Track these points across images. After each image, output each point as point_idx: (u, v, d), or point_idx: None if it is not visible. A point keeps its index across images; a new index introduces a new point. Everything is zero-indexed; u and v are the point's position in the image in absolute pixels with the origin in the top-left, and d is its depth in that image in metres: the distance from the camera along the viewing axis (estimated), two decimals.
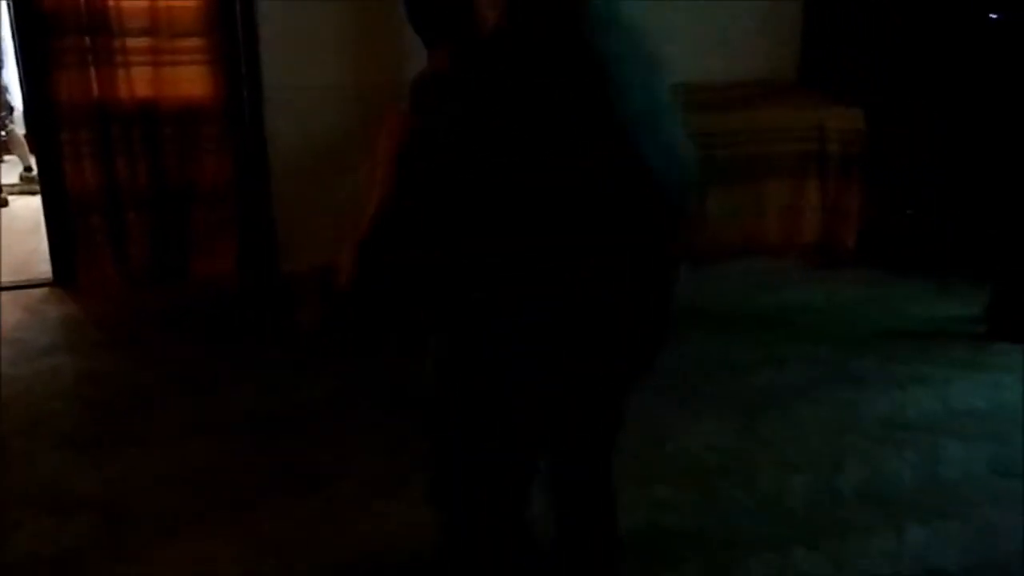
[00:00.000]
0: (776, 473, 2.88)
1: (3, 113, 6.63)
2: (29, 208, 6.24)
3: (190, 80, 4.66)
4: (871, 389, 3.44)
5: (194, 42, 4.61)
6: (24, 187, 6.72)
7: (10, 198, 6.60)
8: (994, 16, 4.43)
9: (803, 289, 4.43)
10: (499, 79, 1.61)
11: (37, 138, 4.91)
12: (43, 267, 4.99)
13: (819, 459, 2.96)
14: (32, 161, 6.49)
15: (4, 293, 4.75)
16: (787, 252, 4.63)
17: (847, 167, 4.62)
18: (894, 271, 4.59)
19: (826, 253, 4.66)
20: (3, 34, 6.50)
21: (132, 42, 4.54)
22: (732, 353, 3.77)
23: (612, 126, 1.61)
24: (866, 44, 4.83)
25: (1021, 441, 3.05)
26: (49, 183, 4.84)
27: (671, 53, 1.77)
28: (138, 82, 4.61)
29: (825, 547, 2.51)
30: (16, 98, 6.83)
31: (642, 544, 2.51)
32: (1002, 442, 3.05)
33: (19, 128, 6.82)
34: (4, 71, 6.61)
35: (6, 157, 6.76)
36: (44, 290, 4.76)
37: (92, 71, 4.57)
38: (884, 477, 2.87)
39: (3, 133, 6.68)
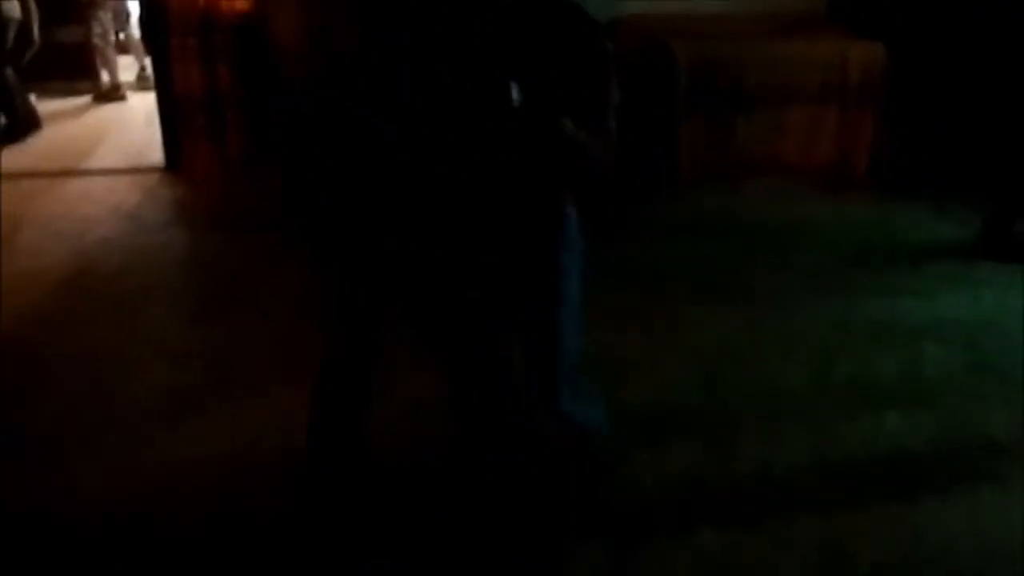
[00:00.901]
0: (774, 363, 2.91)
1: (121, 19, 6.65)
2: (144, 103, 6.30)
3: None
4: (866, 297, 3.43)
5: None
6: (140, 85, 6.79)
7: (128, 94, 6.69)
8: None
9: (814, 207, 4.36)
10: None
11: (151, 43, 4.95)
12: (156, 155, 5.09)
13: (813, 353, 2.97)
14: (146, 62, 6.55)
15: (123, 176, 4.87)
16: (803, 173, 4.55)
17: (865, 98, 4.48)
18: (900, 195, 4.49)
19: (839, 175, 4.57)
20: None
21: None
22: (744, 258, 3.76)
23: None
24: None
25: (996, 346, 3.04)
26: (161, 82, 4.90)
27: None
28: None
29: (812, 427, 2.56)
30: (133, 5, 6.84)
31: (650, 419, 2.57)
32: (979, 347, 3.04)
33: (135, 33, 6.85)
34: None
35: (123, 58, 6.79)
36: (157, 175, 4.88)
37: None
38: (870, 372, 2.88)
39: (121, 36, 6.70)
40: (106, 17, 6.48)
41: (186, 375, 2.80)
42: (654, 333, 3.12)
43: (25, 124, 5.51)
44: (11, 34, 5.44)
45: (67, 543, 2.09)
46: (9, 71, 5.49)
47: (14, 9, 5.40)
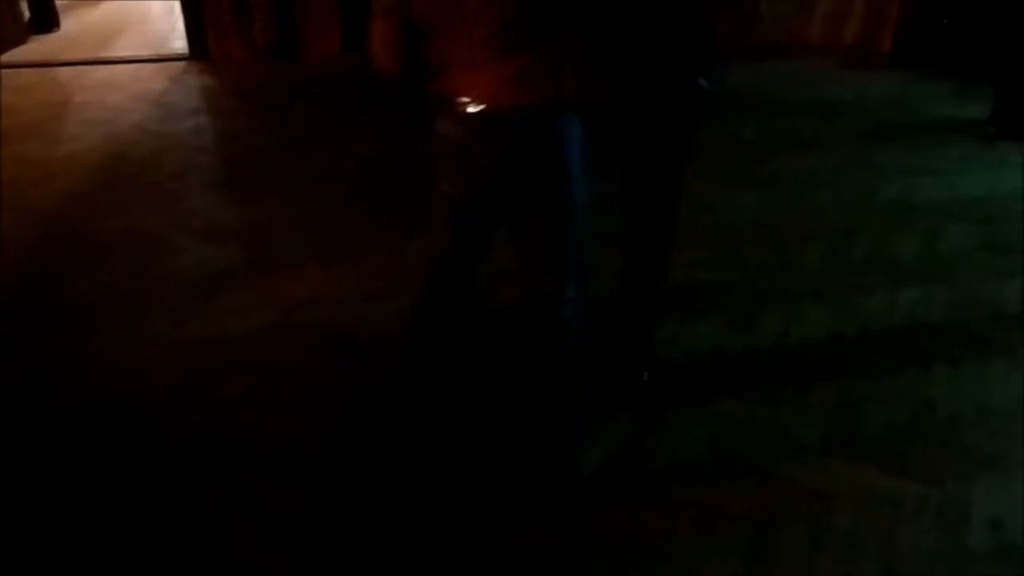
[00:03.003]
0: (796, 241, 2.90)
1: None
2: None
3: None
4: (887, 176, 3.38)
5: None
6: None
7: None
8: None
9: (839, 87, 4.25)
10: None
11: None
12: (179, 44, 4.98)
13: (834, 231, 2.96)
14: None
15: (148, 65, 4.79)
16: (829, 53, 4.40)
17: None
18: (923, 75, 4.35)
19: (864, 55, 4.42)
20: None
21: None
22: (768, 139, 3.70)
23: None
24: None
25: (1013, 224, 3.01)
26: None
27: None
28: None
29: (831, 301, 2.57)
30: None
31: (679, 296, 2.55)
32: (996, 224, 3.01)
33: None
34: None
35: None
36: (182, 64, 4.79)
37: None
38: (889, 249, 2.87)
39: None
40: None
41: (222, 252, 2.83)
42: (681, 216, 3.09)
43: (49, 17, 5.38)
44: None
45: (106, 410, 2.15)
46: None
47: None
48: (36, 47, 5.06)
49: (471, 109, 1.63)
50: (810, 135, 3.74)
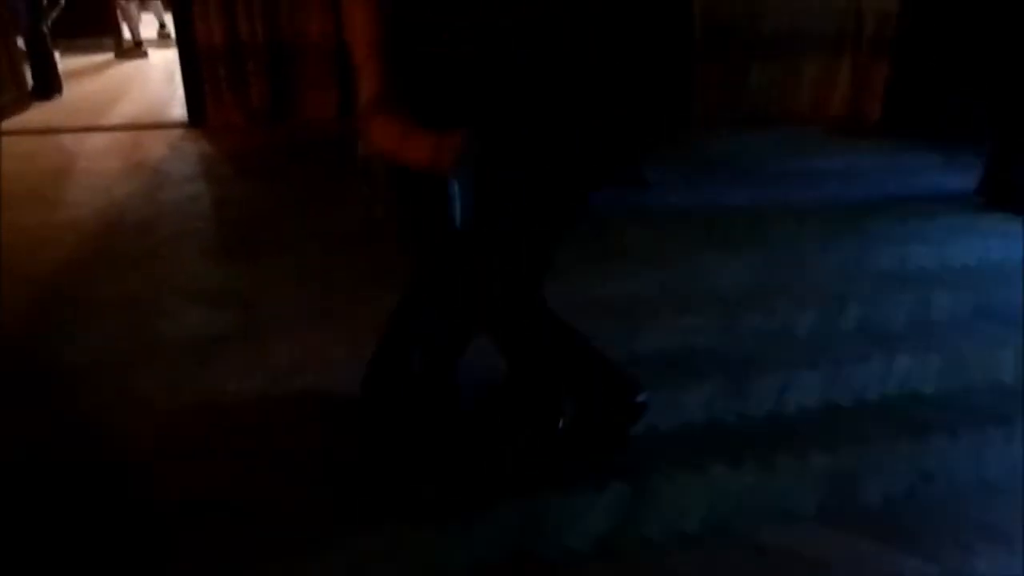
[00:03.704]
0: (788, 308, 2.92)
1: None
2: (164, 60, 6.30)
3: None
4: (877, 243, 3.42)
5: None
6: (160, 42, 6.75)
7: (149, 50, 6.65)
8: None
9: (827, 155, 4.33)
10: None
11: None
12: (179, 111, 5.08)
13: (826, 298, 2.97)
14: (166, 18, 6.49)
15: (147, 132, 4.87)
16: (817, 121, 4.50)
17: (879, 47, 4.41)
18: (911, 144, 4.45)
19: (852, 124, 4.52)
20: None
21: None
22: (760, 207, 3.75)
23: None
24: None
25: (1004, 293, 3.03)
26: (183, 37, 4.87)
27: None
28: None
29: (824, 369, 2.57)
30: None
31: (673, 362, 2.59)
32: (987, 294, 3.03)
33: None
34: None
35: (144, 15, 6.73)
36: (181, 130, 4.87)
37: None
38: (881, 316, 2.88)
39: None
40: None
41: (215, 316, 2.83)
42: (669, 277, 3.13)
43: (52, 84, 5.50)
44: None
45: (95, 474, 2.13)
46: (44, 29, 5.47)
47: None
48: (38, 114, 5.16)
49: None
50: (800, 202, 3.80)
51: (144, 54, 6.59)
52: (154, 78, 6.12)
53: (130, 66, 6.47)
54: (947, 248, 3.40)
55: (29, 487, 2.09)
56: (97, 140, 4.69)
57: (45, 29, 5.43)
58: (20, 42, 5.40)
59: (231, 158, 4.38)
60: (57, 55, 5.81)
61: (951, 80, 4.48)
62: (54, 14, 5.64)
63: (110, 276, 3.13)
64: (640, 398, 2.12)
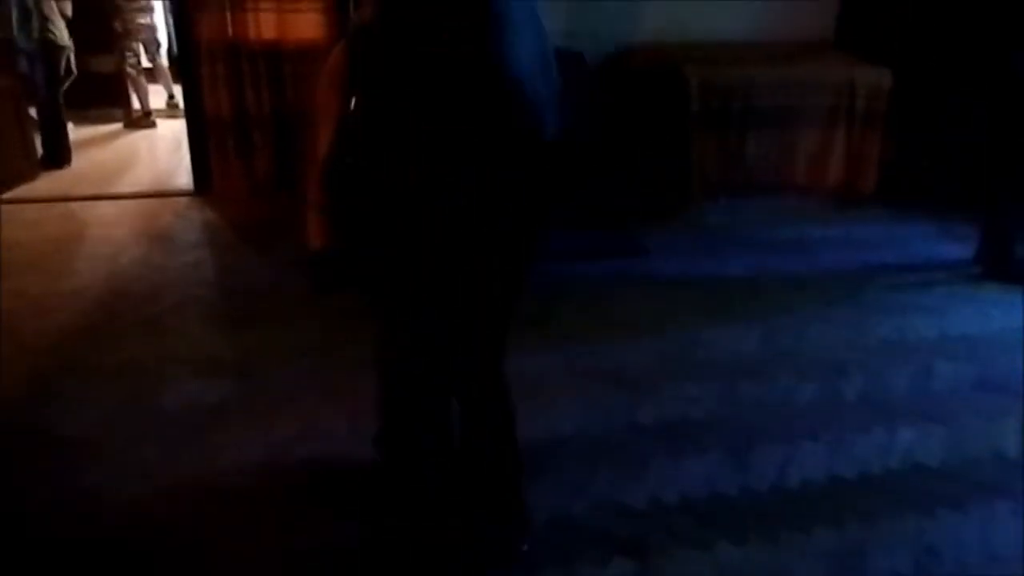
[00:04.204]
0: (788, 377, 2.92)
1: (152, 48, 6.76)
2: (172, 130, 6.41)
3: (307, 25, 4.73)
4: (876, 313, 3.44)
5: None
6: (168, 112, 6.89)
7: (157, 121, 6.78)
8: None
9: (824, 225, 4.39)
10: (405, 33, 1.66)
11: (182, 70, 5.03)
12: (185, 179, 5.16)
13: (826, 368, 2.98)
14: (175, 89, 6.64)
15: (154, 200, 4.94)
16: (813, 192, 4.57)
17: (872, 120, 4.50)
18: (907, 214, 4.51)
19: (847, 194, 4.59)
20: None
21: None
22: (759, 276, 3.79)
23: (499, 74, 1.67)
24: (896, 11, 4.66)
25: (1005, 364, 3.04)
26: (191, 108, 4.98)
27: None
28: (265, 25, 4.70)
29: (826, 440, 2.56)
30: (162, 36, 6.96)
31: (667, 433, 2.59)
32: (987, 364, 3.04)
33: (164, 61, 6.96)
34: (153, 13, 6.71)
35: (153, 86, 6.90)
36: (187, 199, 4.94)
37: (228, 15, 4.66)
38: (882, 387, 2.89)
39: (152, 65, 6.82)
40: (138, 47, 6.60)
41: (216, 385, 2.83)
42: (669, 346, 3.14)
43: (62, 153, 5.60)
44: (63, 62, 5.55)
45: (94, 544, 2.11)
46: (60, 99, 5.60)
47: (63, 38, 5.50)
48: (46, 183, 5.23)
49: None
50: (798, 271, 3.84)
51: (153, 124, 6.72)
52: (162, 147, 6.23)
53: (139, 135, 6.59)
54: (947, 317, 3.42)
55: (26, 562, 2.06)
56: (104, 208, 4.75)
57: (60, 99, 5.56)
58: (32, 111, 5.52)
59: (235, 226, 4.43)
60: (68, 125, 5.93)
61: (945, 152, 4.57)
62: (67, 84, 5.78)
63: (113, 344, 3.13)
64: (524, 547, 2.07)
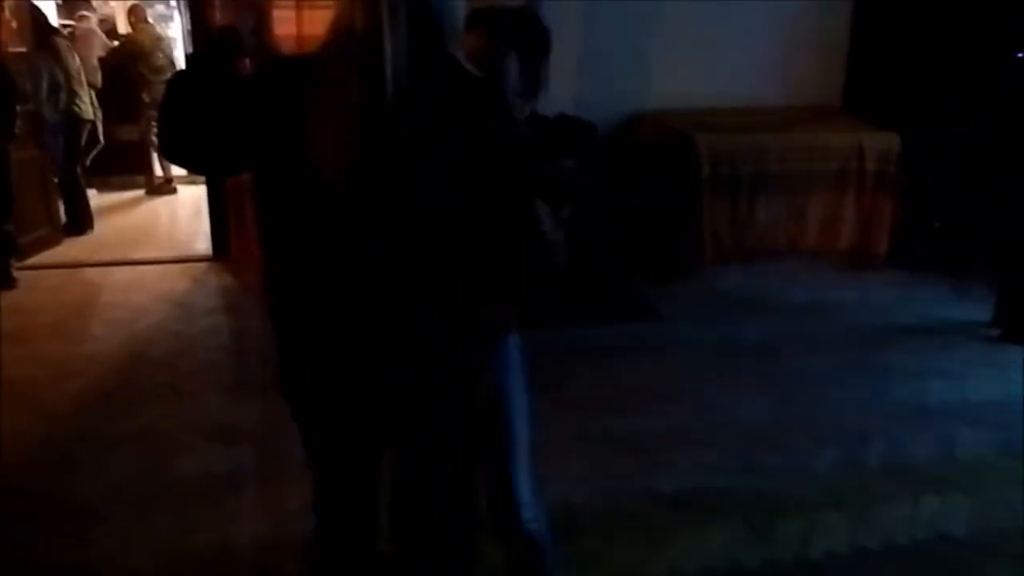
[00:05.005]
0: (808, 445, 2.87)
1: None
2: (192, 196, 6.53)
3: None
4: (895, 377, 3.39)
5: None
6: (189, 178, 7.02)
7: (178, 187, 6.91)
8: (1021, 55, 4.28)
9: (838, 288, 4.37)
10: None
11: None
12: (204, 244, 5.23)
13: (847, 435, 2.93)
14: None
15: (173, 265, 5.00)
16: (825, 255, 4.57)
17: (882, 183, 4.53)
18: (921, 276, 4.50)
19: (860, 257, 4.58)
20: (176, 55, 6.79)
21: None
22: (774, 340, 3.76)
23: None
24: (904, 77, 4.73)
25: None
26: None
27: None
28: None
29: (849, 511, 2.50)
30: None
31: (685, 502, 2.53)
32: (1010, 430, 2.97)
33: None
34: None
35: None
36: (205, 264, 5.00)
37: None
38: (904, 454, 2.83)
39: None
40: None
41: (230, 453, 2.81)
42: (684, 411, 3.10)
43: (84, 220, 5.70)
44: (85, 134, 5.70)
45: None
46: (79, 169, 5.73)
47: (87, 111, 5.66)
48: (68, 249, 5.31)
49: None
50: (813, 335, 3.80)
51: (174, 190, 6.84)
52: (182, 213, 6.34)
53: (160, 202, 6.72)
54: (966, 381, 3.37)
55: None
56: (123, 274, 4.80)
57: (79, 169, 5.69)
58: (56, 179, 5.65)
59: (251, 291, 4.46)
60: (92, 192, 6.05)
61: (955, 214, 4.57)
62: (93, 153, 5.92)
63: (129, 411, 3.12)
64: None
